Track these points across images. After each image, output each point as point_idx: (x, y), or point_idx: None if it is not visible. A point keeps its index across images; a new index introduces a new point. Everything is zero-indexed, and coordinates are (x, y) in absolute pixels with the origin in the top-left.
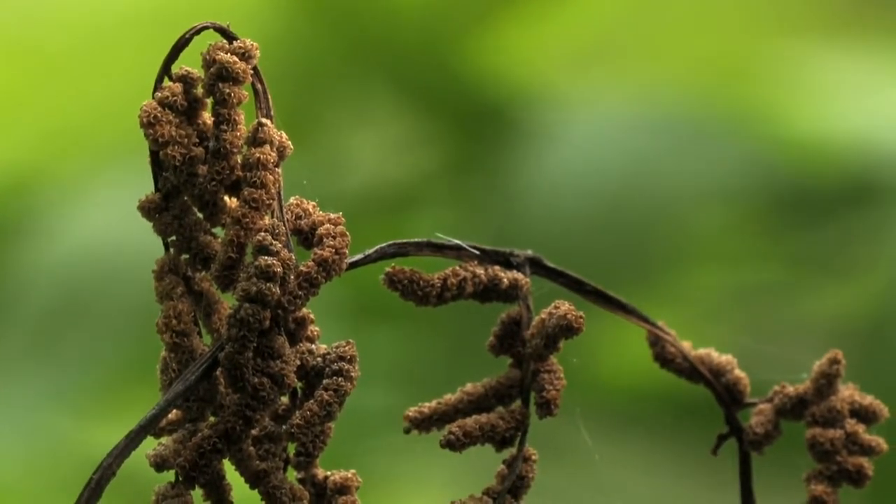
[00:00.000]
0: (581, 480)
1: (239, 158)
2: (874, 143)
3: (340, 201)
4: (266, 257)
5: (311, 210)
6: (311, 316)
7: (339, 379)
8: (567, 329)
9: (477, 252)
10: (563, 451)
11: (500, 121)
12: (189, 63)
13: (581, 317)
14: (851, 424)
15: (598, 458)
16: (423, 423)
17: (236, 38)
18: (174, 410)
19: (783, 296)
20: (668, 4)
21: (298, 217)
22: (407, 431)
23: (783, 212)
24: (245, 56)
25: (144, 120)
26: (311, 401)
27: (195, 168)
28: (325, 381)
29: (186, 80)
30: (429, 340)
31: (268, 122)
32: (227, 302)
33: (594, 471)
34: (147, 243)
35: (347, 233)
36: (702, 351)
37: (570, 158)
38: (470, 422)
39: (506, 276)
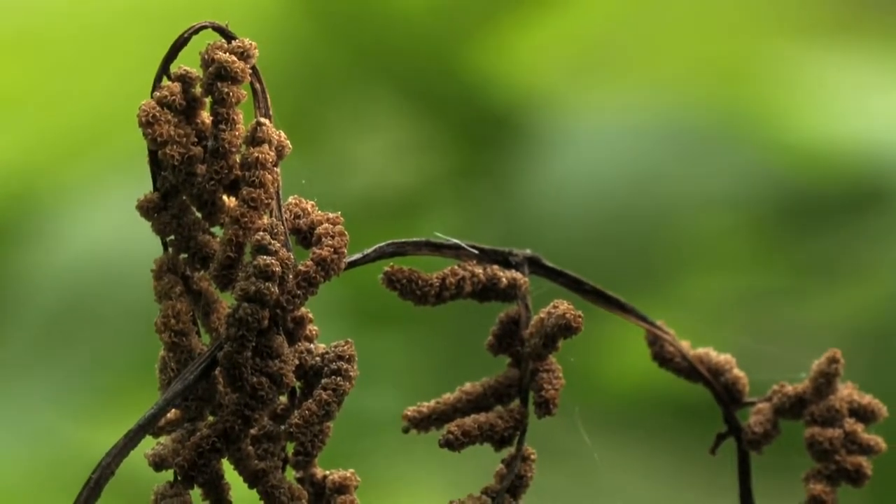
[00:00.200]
0: (579, 479)
1: (237, 158)
2: (878, 147)
3: (344, 205)
4: (265, 257)
5: (309, 209)
6: (310, 315)
7: (338, 378)
8: (566, 328)
9: (475, 251)
10: (561, 450)
11: (504, 126)
12: (188, 62)
13: (580, 316)
14: (850, 424)
15: (597, 458)
16: (422, 423)
17: (235, 38)
18: (173, 410)
19: (786, 301)
20: (670, 9)
21: (297, 216)
22: (405, 431)
23: (786, 217)
24: (243, 55)
25: (143, 119)
26: (310, 400)
27: (194, 167)
28: (323, 381)
29: (185, 80)
30: (427, 340)
31: (266, 121)
32: (226, 301)
33: (593, 470)
34: (150, 246)
35: (346, 232)
36: (700, 350)
37: (574, 163)
38: (468, 421)
39: (504, 275)
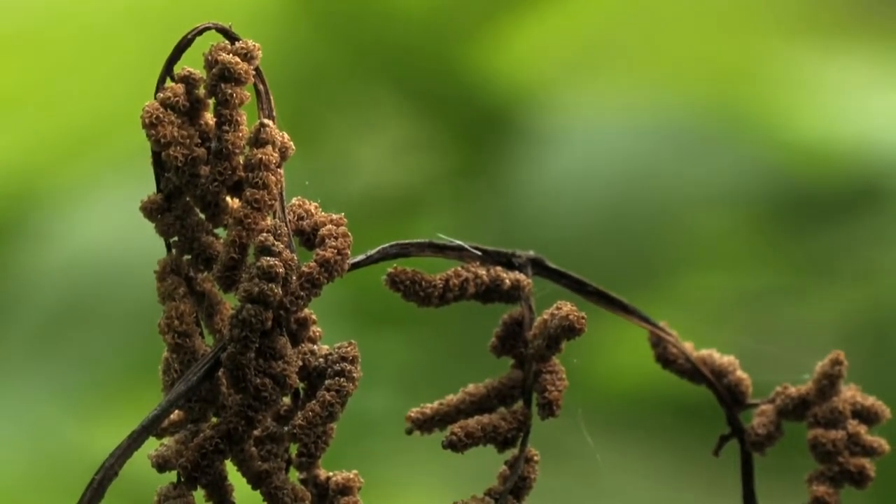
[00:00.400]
0: (583, 481)
1: (241, 159)
2: (877, 146)
3: (344, 204)
4: (268, 258)
5: (313, 211)
6: (314, 317)
7: (341, 379)
8: (569, 330)
9: (479, 253)
10: (564, 452)
11: (503, 125)
12: (191, 64)
13: (583, 318)
14: (853, 425)
15: (600, 459)
16: (425, 424)
17: (238, 39)
18: (176, 411)
19: (786, 300)
20: (668, 7)
21: (300, 218)
22: (409, 432)
23: (785, 215)
24: (247, 57)
25: (146, 120)
26: (314, 401)
27: (197, 169)
28: (327, 382)
29: (188, 81)
30: (430, 341)
31: (270, 122)
32: (230, 303)
33: (596, 471)
34: (150, 245)
35: (349, 233)
36: (704, 352)
37: (573, 162)
38: (472, 422)
39: (508, 276)
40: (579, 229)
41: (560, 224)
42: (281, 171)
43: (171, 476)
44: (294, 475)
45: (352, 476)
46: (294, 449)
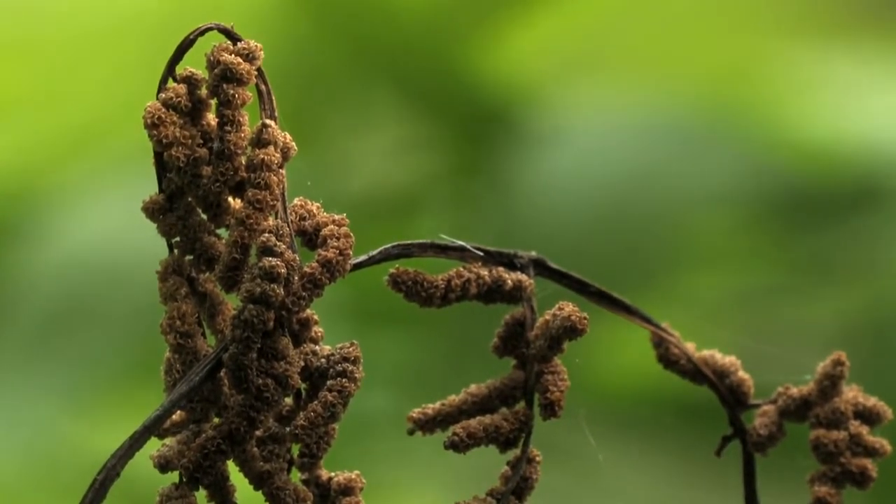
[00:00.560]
0: (585, 482)
1: (243, 159)
2: (877, 145)
3: (344, 204)
4: (270, 258)
5: (315, 211)
6: (315, 317)
7: (343, 380)
8: (571, 330)
9: (481, 253)
10: (566, 452)
11: (503, 124)
12: (193, 64)
13: (585, 318)
14: (855, 426)
15: (602, 460)
16: (427, 425)
17: (240, 40)
18: (178, 411)
19: (786, 299)
20: (667, 6)
21: (302, 218)
22: (410, 433)
23: (785, 215)
24: (249, 57)
25: (148, 121)
26: (315, 402)
27: (199, 169)
28: (328, 383)
29: (190, 81)
30: (432, 342)
31: (272, 123)
32: (232, 303)
33: (598, 472)
34: (151, 245)
35: (352, 234)
36: (706, 352)
37: (573, 161)
38: (474, 423)
39: (510, 277)
40: (579, 228)
41: (559, 223)
42: (283, 171)
43: (173, 476)
44: (296, 476)
45: (354, 476)
46: (296, 449)
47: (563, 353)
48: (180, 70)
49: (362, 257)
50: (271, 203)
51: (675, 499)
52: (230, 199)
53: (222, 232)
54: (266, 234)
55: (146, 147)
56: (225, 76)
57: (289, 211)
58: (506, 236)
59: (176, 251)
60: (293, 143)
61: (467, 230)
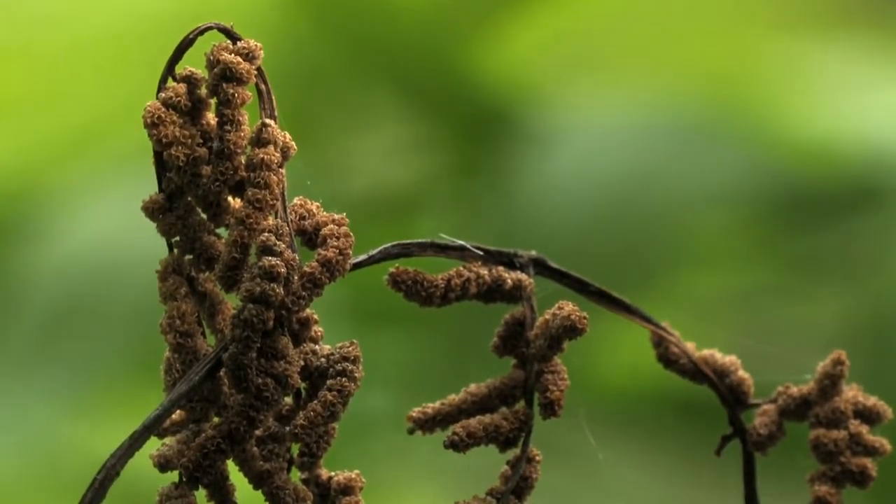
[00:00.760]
0: (585, 482)
1: (243, 159)
2: (876, 145)
3: (344, 204)
4: (270, 258)
5: (314, 210)
6: (315, 317)
7: (343, 379)
8: (571, 330)
9: (481, 253)
10: (566, 451)
11: (503, 124)
12: (193, 64)
13: (585, 317)
14: (855, 425)
15: (602, 459)
16: (427, 424)
17: (240, 39)
18: (178, 411)
19: (784, 299)
20: (667, 5)
21: (302, 217)
22: (410, 432)
23: (784, 214)
24: (249, 56)
25: (148, 120)
26: (315, 401)
27: (199, 168)
28: (328, 382)
29: (190, 81)
30: (432, 341)
31: (271, 122)
32: (231, 302)
33: (598, 471)
34: (150, 245)
35: (351, 233)
36: (705, 352)
37: (572, 161)
38: (473, 422)
39: (510, 276)
40: (579, 228)
41: (559, 223)
42: (282, 170)
43: (173, 476)
44: (296, 475)
45: (354, 476)
46: (296, 449)
47: (562, 352)
48: (180, 69)
49: (362, 257)
50: (271, 202)
51: (675, 498)
52: (230, 198)
53: (222, 231)
54: (266, 234)
55: (146, 147)
56: (225, 75)
57: (288, 210)
58: (506, 236)
59: (176, 251)
60: (293, 143)
61: (467, 230)
